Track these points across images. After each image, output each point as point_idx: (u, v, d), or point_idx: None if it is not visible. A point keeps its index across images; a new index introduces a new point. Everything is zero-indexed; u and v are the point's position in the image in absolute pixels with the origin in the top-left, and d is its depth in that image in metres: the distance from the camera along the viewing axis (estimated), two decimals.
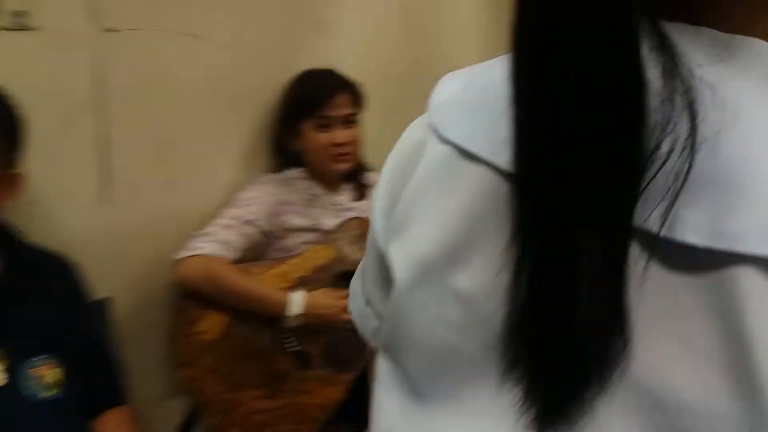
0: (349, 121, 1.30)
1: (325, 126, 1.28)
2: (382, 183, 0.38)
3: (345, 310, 1.14)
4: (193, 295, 1.20)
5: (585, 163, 0.23)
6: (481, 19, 1.84)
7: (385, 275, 0.37)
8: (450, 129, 0.32)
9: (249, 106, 1.35)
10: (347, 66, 1.36)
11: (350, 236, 1.29)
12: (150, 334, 1.28)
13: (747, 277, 0.23)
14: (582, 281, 0.23)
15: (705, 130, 0.23)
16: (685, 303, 0.24)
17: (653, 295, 0.24)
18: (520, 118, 0.26)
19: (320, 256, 1.27)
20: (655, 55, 0.23)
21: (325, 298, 1.21)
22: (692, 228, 0.23)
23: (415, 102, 0.40)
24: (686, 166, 0.22)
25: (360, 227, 1.31)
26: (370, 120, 1.40)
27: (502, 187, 0.28)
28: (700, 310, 0.24)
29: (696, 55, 0.24)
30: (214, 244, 1.20)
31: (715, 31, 0.25)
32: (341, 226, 1.30)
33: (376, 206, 0.38)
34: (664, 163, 0.23)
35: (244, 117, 1.36)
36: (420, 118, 0.36)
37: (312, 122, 1.28)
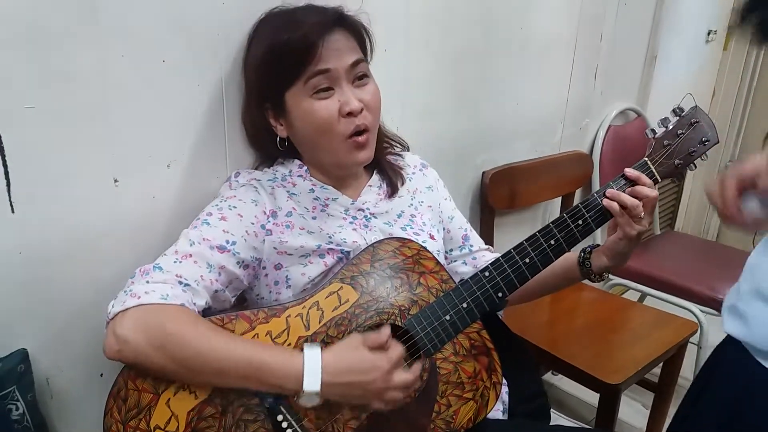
0: (360, 74, 0.84)
1: (324, 88, 0.81)
2: None
3: (392, 368, 0.74)
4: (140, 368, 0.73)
5: None
6: None
7: None
8: None
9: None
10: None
11: (386, 267, 0.82)
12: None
13: None
14: None
15: None
16: None
17: None
18: None
19: (338, 299, 0.80)
20: None
21: (358, 354, 0.74)
22: None
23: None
24: None
25: (399, 250, 0.84)
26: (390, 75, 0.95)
27: None
28: None
29: None
30: (167, 286, 0.74)
31: None
32: (373, 252, 0.83)
33: None
34: None
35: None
36: None
37: (300, 87, 0.81)
